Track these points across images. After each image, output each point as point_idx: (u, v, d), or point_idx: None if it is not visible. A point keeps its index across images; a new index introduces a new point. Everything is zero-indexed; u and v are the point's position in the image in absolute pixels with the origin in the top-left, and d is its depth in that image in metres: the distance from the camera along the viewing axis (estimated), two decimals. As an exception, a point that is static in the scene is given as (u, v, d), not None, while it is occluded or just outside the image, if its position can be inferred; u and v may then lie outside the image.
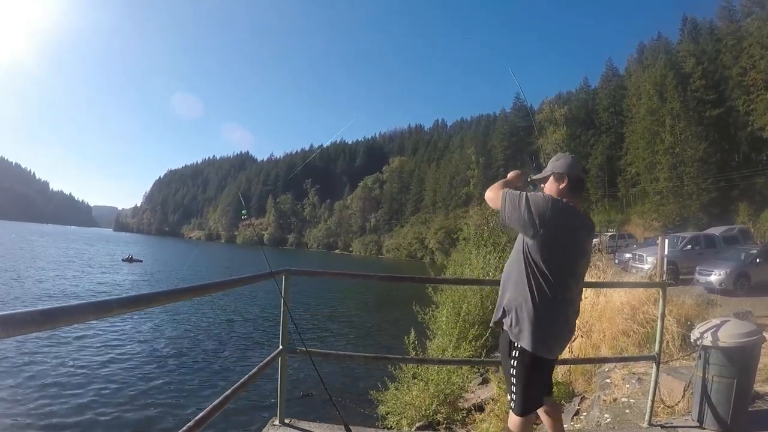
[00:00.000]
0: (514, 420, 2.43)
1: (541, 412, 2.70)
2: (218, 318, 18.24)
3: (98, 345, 12.84)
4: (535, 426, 2.88)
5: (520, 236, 2.41)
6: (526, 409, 2.39)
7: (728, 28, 56.77)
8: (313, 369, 2.86)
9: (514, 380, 2.38)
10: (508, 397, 2.47)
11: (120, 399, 9.10)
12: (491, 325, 2.59)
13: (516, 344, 2.33)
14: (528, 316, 2.27)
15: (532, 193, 2.40)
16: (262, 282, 2.82)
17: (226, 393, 2.37)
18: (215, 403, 2.24)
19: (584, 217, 2.49)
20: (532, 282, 2.27)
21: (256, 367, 2.80)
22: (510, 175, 2.72)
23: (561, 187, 2.46)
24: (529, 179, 2.71)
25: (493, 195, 2.50)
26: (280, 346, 3.17)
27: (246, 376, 2.65)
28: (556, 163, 2.53)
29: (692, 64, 57.16)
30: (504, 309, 2.42)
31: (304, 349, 3.06)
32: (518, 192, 2.38)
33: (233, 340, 14.80)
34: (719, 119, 54.84)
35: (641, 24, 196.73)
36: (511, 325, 2.35)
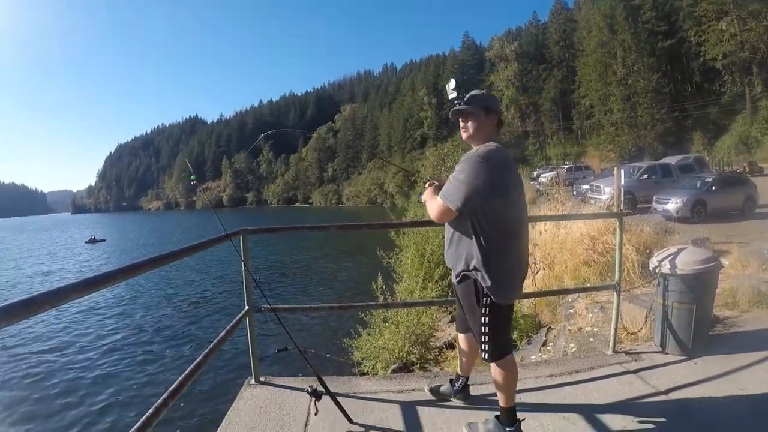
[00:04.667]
0: (496, 369, 2.36)
1: (462, 339, 2.75)
2: (182, 287, 18.07)
3: (64, 328, 12.83)
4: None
5: None
6: (503, 354, 2.35)
7: (680, -42, 56.26)
8: (282, 326, 2.86)
9: (485, 329, 2.31)
10: (480, 351, 2.39)
11: (90, 379, 9.11)
12: (454, 281, 2.48)
13: (485, 292, 2.26)
14: (484, 266, 2.22)
15: (474, 159, 2.18)
16: (222, 245, 2.76)
17: (197, 360, 2.33)
18: (187, 371, 2.19)
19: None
20: (480, 232, 2.22)
21: (224, 330, 2.77)
22: (429, 191, 2.62)
23: (495, 123, 2.37)
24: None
25: (437, 206, 2.34)
26: (246, 307, 3.16)
27: (215, 341, 2.61)
28: (487, 98, 2.39)
29: (642, -5, 56.90)
30: (464, 262, 2.32)
31: (269, 306, 3.05)
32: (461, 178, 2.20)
33: (200, 308, 14.70)
34: (671, 50, 55.37)
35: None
36: (475, 275, 2.27)
